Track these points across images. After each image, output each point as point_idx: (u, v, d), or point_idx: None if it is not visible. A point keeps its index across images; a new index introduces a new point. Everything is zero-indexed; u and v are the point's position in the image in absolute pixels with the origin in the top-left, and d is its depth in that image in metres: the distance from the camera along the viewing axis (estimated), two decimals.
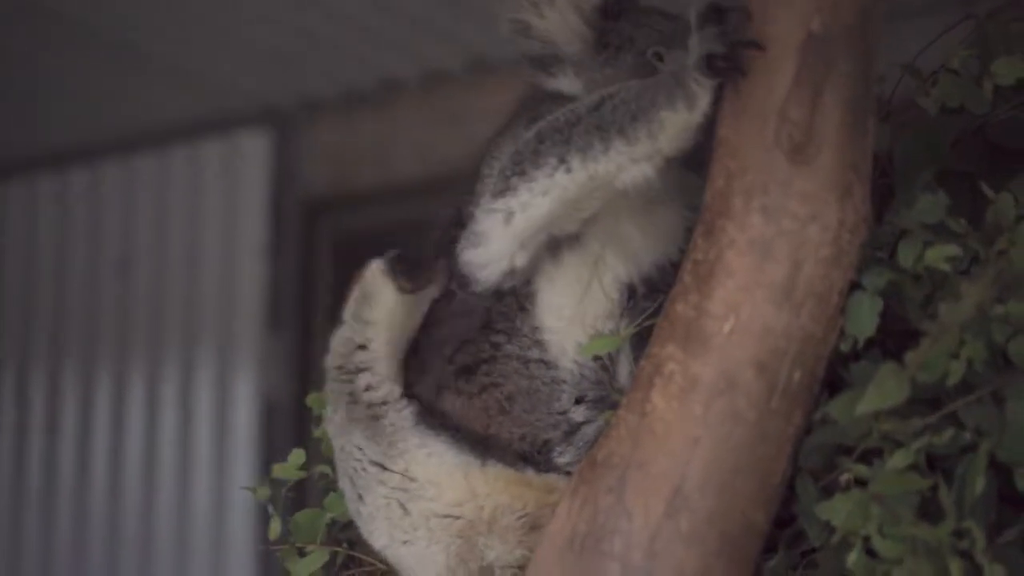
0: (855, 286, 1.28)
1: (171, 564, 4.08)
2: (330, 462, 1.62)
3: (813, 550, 1.33)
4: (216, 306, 4.11)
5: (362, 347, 1.50)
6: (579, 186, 1.36)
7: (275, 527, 1.59)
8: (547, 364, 1.47)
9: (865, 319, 1.28)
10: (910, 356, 1.20)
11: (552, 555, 1.31)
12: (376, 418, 1.47)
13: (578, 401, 1.44)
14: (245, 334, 4.03)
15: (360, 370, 1.49)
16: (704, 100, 1.29)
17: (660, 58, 1.47)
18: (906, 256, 1.28)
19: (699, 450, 1.26)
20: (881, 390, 1.19)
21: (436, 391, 1.50)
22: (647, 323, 1.36)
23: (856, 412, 1.19)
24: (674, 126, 1.30)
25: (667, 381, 1.28)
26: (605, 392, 1.43)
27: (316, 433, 1.66)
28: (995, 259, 1.27)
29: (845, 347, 1.29)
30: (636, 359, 1.42)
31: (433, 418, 1.48)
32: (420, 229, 4.11)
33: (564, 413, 1.46)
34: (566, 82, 1.55)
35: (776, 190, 1.24)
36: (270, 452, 3.98)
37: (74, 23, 3.64)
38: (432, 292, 1.52)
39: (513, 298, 1.49)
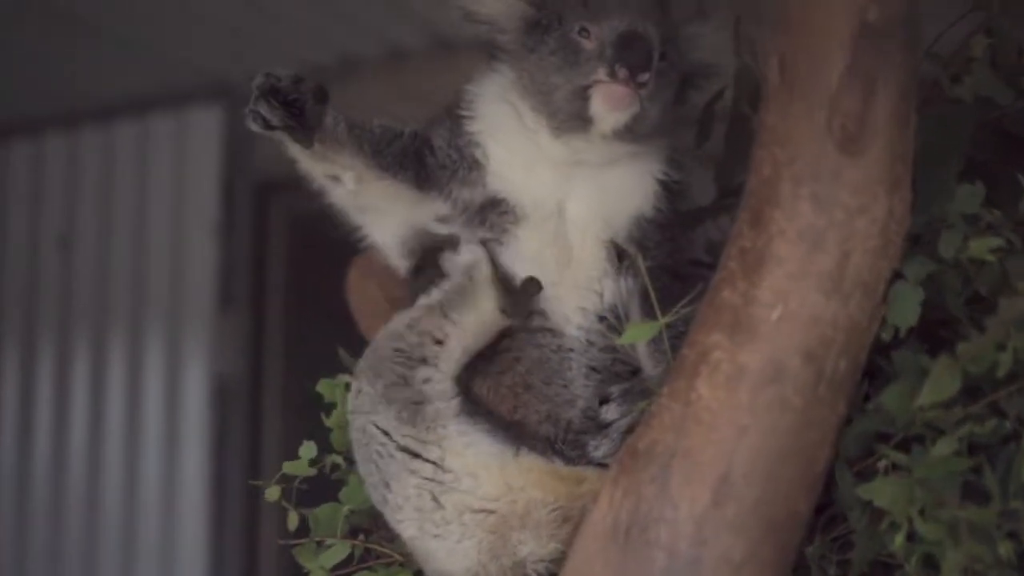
0: (897, 276, 1.29)
1: (118, 550, 4.01)
2: (341, 453, 1.60)
3: (846, 535, 1.35)
4: (165, 286, 4.03)
5: (439, 342, 1.47)
6: None
7: (293, 519, 1.56)
8: (552, 332, 1.48)
9: (908, 309, 1.29)
10: (962, 348, 1.22)
11: (594, 546, 1.31)
12: (419, 403, 1.45)
13: (604, 401, 1.44)
14: (196, 314, 3.96)
15: (425, 361, 1.47)
16: None
17: (587, 33, 1.46)
18: (947, 247, 1.30)
19: (746, 438, 1.26)
20: (938, 383, 1.20)
21: (469, 376, 1.48)
22: (683, 310, 1.36)
23: (916, 404, 1.20)
24: None
25: (713, 369, 1.28)
26: (631, 385, 1.43)
27: (328, 422, 1.63)
28: None
29: (887, 336, 1.30)
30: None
31: (470, 406, 1.46)
32: None
33: (572, 385, 1.46)
34: (504, 68, 1.54)
35: (826, 180, 1.24)
36: (222, 435, 3.92)
37: None
38: (519, 322, 1.50)
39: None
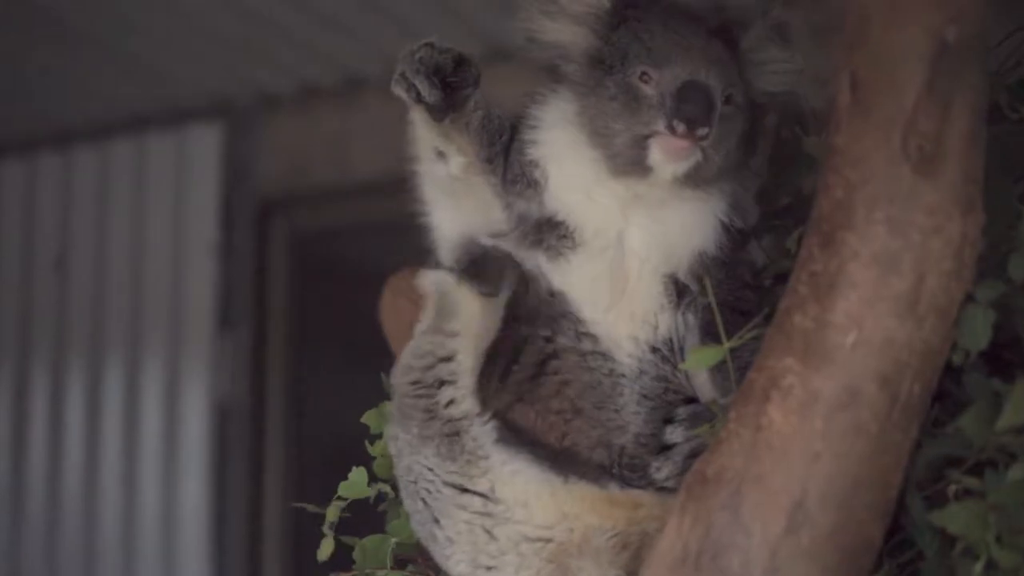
0: (968, 298, 1.28)
1: (117, 570, 3.96)
2: (387, 481, 1.58)
3: (913, 561, 1.33)
4: (164, 306, 3.99)
5: (446, 359, 1.46)
6: None
7: (327, 548, 1.53)
8: (604, 356, 1.46)
9: (979, 332, 1.27)
10: None
11: (664, 573, 1.28)
12: (455, 434, 1.43)
13: (668, 421, 1.42)
14: (195, 335, 3.92)
15: (443, 383, 1.45)
16: None
17: (648, 79, 1.43)
18: (1017, 269, 1.28)
19: (820, 464, 1.24)
20: (1019, 407, 1.19)
21: (508, 405, 1.46)
22: (751, 334, 1.34)
23: (996, 428, 1.18)
24: None
25: (785, 395, 1.25)
26: (697, 408, 1.41)
27: (372, 451, 1.61)
28: None
29: (958, 359, 1.28)
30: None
31: (510, 434, 1.44)
32: (378, 228, 4.08)
33: (623, 411, 1.44)
34: (567, 95, 1.51)
35: (901, 202, 1.22)
36: (222, 458, 3.88)
37: (10, 4, 3.50)
38: (505, 298, 1.48)
39: (542, 293, 1.48)
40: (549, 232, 1.48)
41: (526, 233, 1.49)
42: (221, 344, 3.92)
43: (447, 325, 1.47)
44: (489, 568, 1.40)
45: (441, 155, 1.49)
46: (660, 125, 1.40)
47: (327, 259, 4.00)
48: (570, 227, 1.48)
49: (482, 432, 1.43)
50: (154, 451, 3.96)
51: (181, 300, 3.98)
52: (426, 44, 1.40)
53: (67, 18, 3.60)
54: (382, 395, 1.65)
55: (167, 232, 4.03)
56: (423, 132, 1.49)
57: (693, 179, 1.45)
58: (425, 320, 1.51)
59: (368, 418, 1.61)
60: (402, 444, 1.48)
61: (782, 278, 1.64)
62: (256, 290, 3.96)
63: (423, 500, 1.45)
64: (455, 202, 1.53)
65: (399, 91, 1.43)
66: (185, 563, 3.86)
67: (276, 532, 3.87)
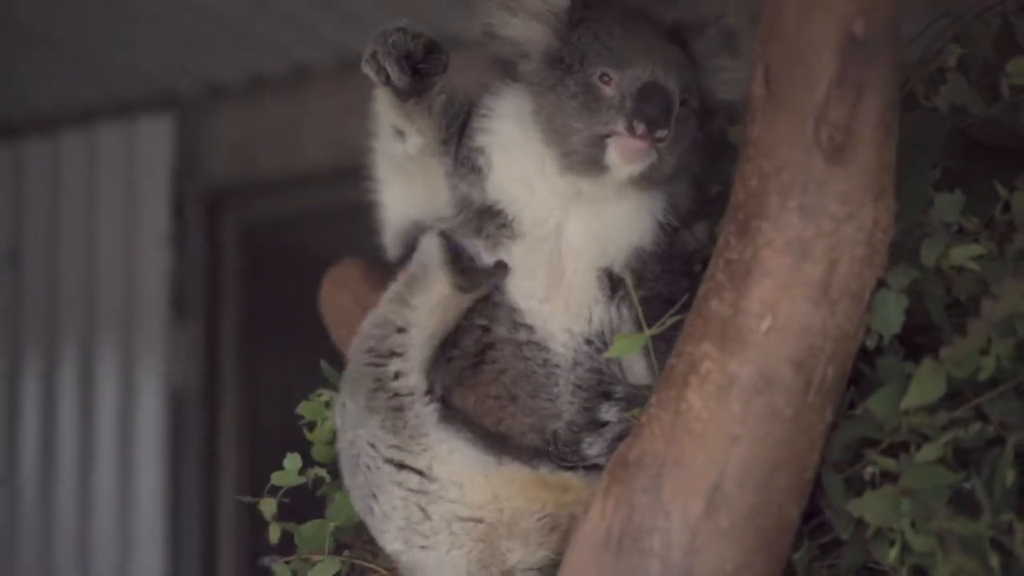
0: (880, 284, 1.31)
1: (74, 564, 3.96)
2: (325, 466, 1.60)
3: (834, 541, 1.37)
4: (117, 298, 3.99)
5: (401, 330, 1.48)
6: None
7: (275, 531, 1.55)
8: (538, 346, 1.48)
9: (892, 316, 1.30)
10: (945, 352, 1.24)
11: (587, 555, 1.31)
12: (399, 409, 1.46)
13: (607, 397, 1.45)
14: (148, 326, 3.92)
15: (393, 354, 1.47)
16: None
17: (607, 79, 1.45)
18: (929, 254, 1.32)
19: (738, 448, 1.27)
20: (923, 386, 1.22)
21: (448, 388, 1.49)
22: (671, 320, 1.37)
23: (901, 407, 1.22)
24: None
25: (703, 380, 1.28)
26: (633, 390, 1.44)
27: (311, 436, 1.63)
28: (1014, 257, 1.31)
29: (871, 343, 1.32)
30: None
31: (451, 415, 1.47)
32: (328, 218, 4.09)
33: (557, 400, 1.47)
34: (521, 92, 1.53)
35: (814, 190, 1.25)
36: (177, 446, 3.89)
37: None
38: (475, 297, 1.50)
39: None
40: (489, 220, 1.51)
41: (468, 219, 1.52)
42: (174, 334, 3.93)
43: (411, 297, 1.49)
44: (423, 547, 1.43)
45: (400, 134, 1.51)
46: (619, 125, 1.43)
47: (278, 248, 4.02)
48: (509, 217, 1.50)
49: (425, 411, 1.46)
50: (109, 440, 3.97)
51: (134, 291, 3.98)
52: (399, 28, 1.42)
53: (15, 12, 3.59)
54: (326, 384, 1.68)
55: (119, 223, 4.03)
56: (384, 110, 1.51)
57: (644, 179, 1.48)
58: (393, 287, 1.52)
59: (304, 409, 1.63)
60: (348, 414, 1.50)
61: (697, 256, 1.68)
62: (208, 280, 3.96)
63: (363, 475, 1.47)
64: (407, 181, 1.55)
65: (368, 71, 1.45)
66: (141, 548, 3.87)
67: (231, 517, 3.88)
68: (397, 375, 1.47)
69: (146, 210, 3.99)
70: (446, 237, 1.53)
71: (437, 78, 1.45)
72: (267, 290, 4.00)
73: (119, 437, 3.96)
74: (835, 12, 1.23)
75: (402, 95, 1.45)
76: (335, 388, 1.64)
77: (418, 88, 1.45)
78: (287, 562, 1.54)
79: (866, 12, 1.22)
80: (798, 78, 1.25)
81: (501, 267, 1.49)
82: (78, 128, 4.12)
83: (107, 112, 4.08)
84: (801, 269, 1.26)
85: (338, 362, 1.73)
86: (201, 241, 3.98)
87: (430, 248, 1.52)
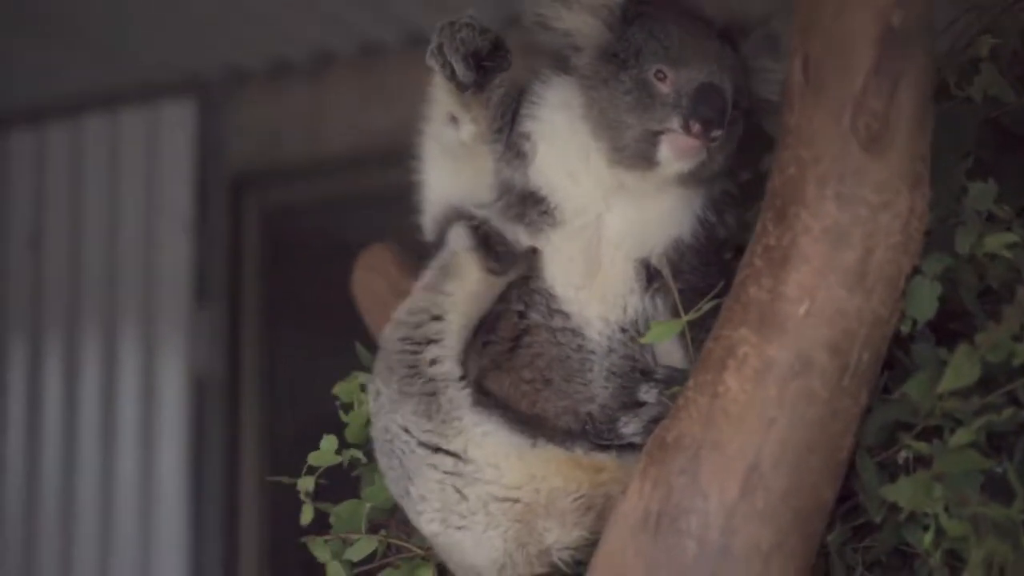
0: (915, 271, 1.33)
1: (95, 549, 3.99)
2: (361, 447, 1.63)
3: (867, 523, 1.39)
4: (139, 283, 4.02)
5: (437, 318, 1.51)
6: None
7: (308, 513, 1.58)
8: (573, 332, 1.51)
9: (926, 303, 1.33)
10: (980, 338, 1.26)
11: (625, 535, 1.34)
12: (433, 394, 1.48)
13: (646, 378, 1.47)
14: (170, 310, 3.95)
15: (430, 341, 1.50)
16: None
17: (663, 77, 1.47)
18: (963, 243, 1.34)
19: (774, 430, 1.29)
20: (958, 371, 1.24)
21: (483, 372, 1.51)
22: (707, 305, 1.40)
23: (938, 391, 1.24)
24: None
25: (741, 363, 1.31)
26: (675, 372, 1.46)
27: (345, 418, 1.65)
28: None
29: (905, 329, 1.34)
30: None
31: (484, 399, 1.49)
32: (350, 203, 4.11)
33: (591, 385, 1.49)
34: (572, 84, 1.54)
35: (851, 179, 1.27)
36: (200, 431, 3.92)
37: None
38: (509, 280, 1.52)
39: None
40: (531, 207, 1.53)
41: (510, 204, 1.54)
42: (196, 319, 3.95)
43: (445, 285, 1.52)
44: (460, 527, 1.46)
45: (454, 121, 1.52)
46: (674, 123, 1.45)
47: (300, 234, 4.04)
48: (551, 204, 1.52)
49: (459, 395, 1.48)
50: (132, 425, 4.00)
51: (156, 276, 4.01)
52: (467, 24, 1.43)
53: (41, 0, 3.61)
54: (355, 366, 1.70)
55: (141, 208, 4.06)
56: (442, 96, 1.53)
57: (691, 177, 1.50)
58: (425, 276, 1.55)
59: (340, 389, 1.66)
60: (383, 400, 1.52)
61: (742, 250, 1.70)
62: (230, 265, 3.99)
63: (398, 459, 1.50)
64: (454, 165, 1.57)
65: (433, 63, 1.47)
66: (163, 533, 3.90)
67: (253, 502, 3.91)
68: (433, 362, 1.49)
69: (168, 195, 4.02)
70: (475, 226, 1.55)
71: (499, 75, 1.48)
72: (289, 275, 4.03)
73: (141, 422, 3.99)
74: (873, 3, 1.25)
75: (462, 87, 1.47)
76: (369, 370, 1.66)
77: (480, 83, 1.47)
78: (326, 540, 1.56)
79: (903, 4, 1.25)
80: (836, 68, 1.27)
81: (532, 251, 1.52)
82: (101, 113, 4.15)
83: (130, 97, 4.11)
84: (838, 256, 1.28)
85: (369, 346, 1.76)
86: (223, 226, 4.00)
87: (459, 236, 1.55)
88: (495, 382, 1.51)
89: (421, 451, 1.48)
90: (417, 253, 1.78)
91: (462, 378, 1.50)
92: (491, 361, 1.52)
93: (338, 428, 1.66)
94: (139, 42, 3.84)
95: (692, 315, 1.40)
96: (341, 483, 1.67)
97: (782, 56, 1.55)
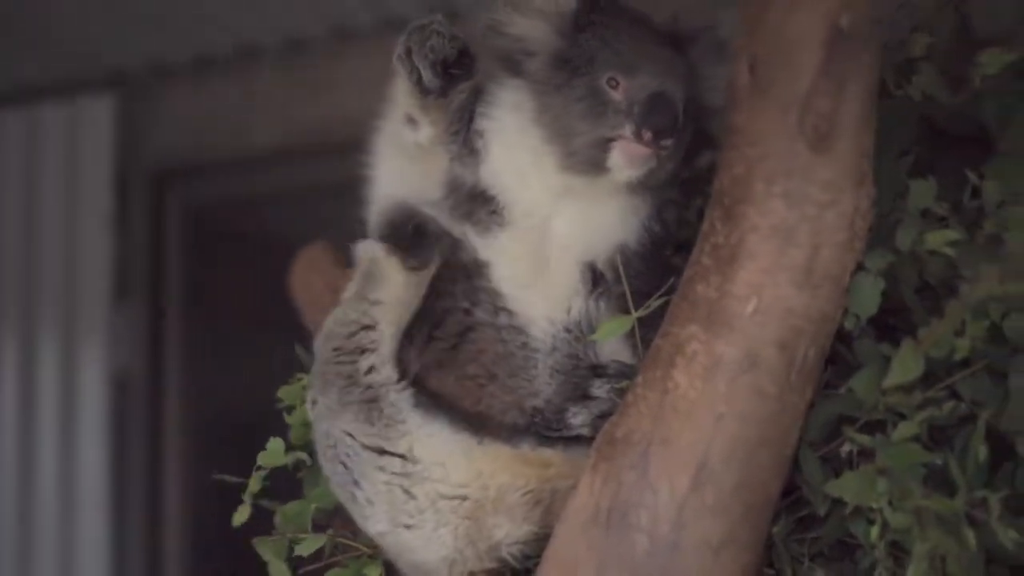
0: (858, 267, 1.36)
1: (15, 550, 3.91)
2: (304, 448, 1.62)
3: (810, 515, 1.41)
4: (59, 280, 3.94)
5: (368, 327, 1.51)
6: None
7: (244, 512, 1.57)
8: (518, 330, 1.52)
9: (868, 299, 1.35)
10: (923, 333, 1.29)
11: (576, 530, 1.35)
12: (374, 400, 1.48)
13: (598, 375, 1.48)
14: (90, 308, 3.88)
15: (364, 351, 1.50)
16: None
17: (615, 84, 1.48)
18: (905, 239, 1.37)
19: (724, 425, 1.31)
20: (903, 366, 1.27)
21: (425, 369, 1.52)
22: (656, 303, 1.41)
23: (883, 386, 1.27)
24: None
25: (690, 360, 1.32)
26: (625, 368, 1.47)
27: (289, 420, 1.64)
28: (985, 242, 1.36)
29: (849, 325, 1.36)
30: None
31: (427, 399, 1.49)
32: (276, 199, 4.07)
33: (535, 381, 1.50)
34: (525, 88, 1.54)
35: (798, 177, 1.29)
36: (120, 430, 3.86)
37: None
38: (432, 271, 1.53)
39: (469, 268, 1.54)
40: (480, 206, 1.53)
41: (459, 202, 1.54)
42: (117, 316, 3.90)
43: (372, 294, 1.52)
44: (408, 527, 1.46)
45: (412, 122, 1.53)
46: (626, 131, 1.46)
47: (224, 229, 4.00)
48: (500, 204, 1.53)
49: (400, 398, 1.48)
50: (51, 424, 3.92)
51: (76, 272, 3.93)
52: (437, 32, 1.44)
53: None
54: (287, 366, 1.70)
55: (60, 204, 3.98)
56: (402, 99, 1.52)
57: (640, 183, 1.51)
58: (351, 287, 1.55)
59: (284, 393, 1.65)
60: (321, 409, 1.52)
61: (683, 248, 1.72)
62: (152, 261, 3.94)
63: (342, 463, 1.50)
64: (407, 163, 1.57)
65: (400, 68, 1.47)
66: (84, 535, 3.84)
67: (176, 501, 3.87)
68: (370, 370, 1.50)
69: (88, 191, 3.94)
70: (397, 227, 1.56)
71: (464, 82, 1.49)
72: (213, 272, 3.99)
73: (61, 421, 3.92)
74: (821, 6, 1.27)
75: (427, 93, 1.47)
76: (309, 371, 1.66)
77: (444, 89, 1.48)
78: (271, 541, 1.55)
79: (850, 6, 1.26)
80: (783, 69, 1.29)
81: (440, 241, 1.53)
82: (19, 108, 4.07)
83: (49, 91, 4.03)
84: (785, 253, 1.30)
85: (307, 344, 1.75)
86: (146, 222, 3.95)
87: (370, 248, 1.56)
88: (438, 380, 1.51)
89: (366, 454, 1.48)
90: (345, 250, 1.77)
91: (400, 380, 1.50)
92: (434, 359, 1.52)
93: (263, 427, 1.66)
94: (59, 35, 3.77)
95: (641, 312, 1.41)
96: (276, 485, 1.66)
97: (729, 64, 1.58)
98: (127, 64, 3.92)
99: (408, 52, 1.46)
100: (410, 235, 1.54)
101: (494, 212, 1.53)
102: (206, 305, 3.98)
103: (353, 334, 1.51)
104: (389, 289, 1.52)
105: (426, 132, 1.52)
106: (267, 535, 1.57)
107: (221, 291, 4.01)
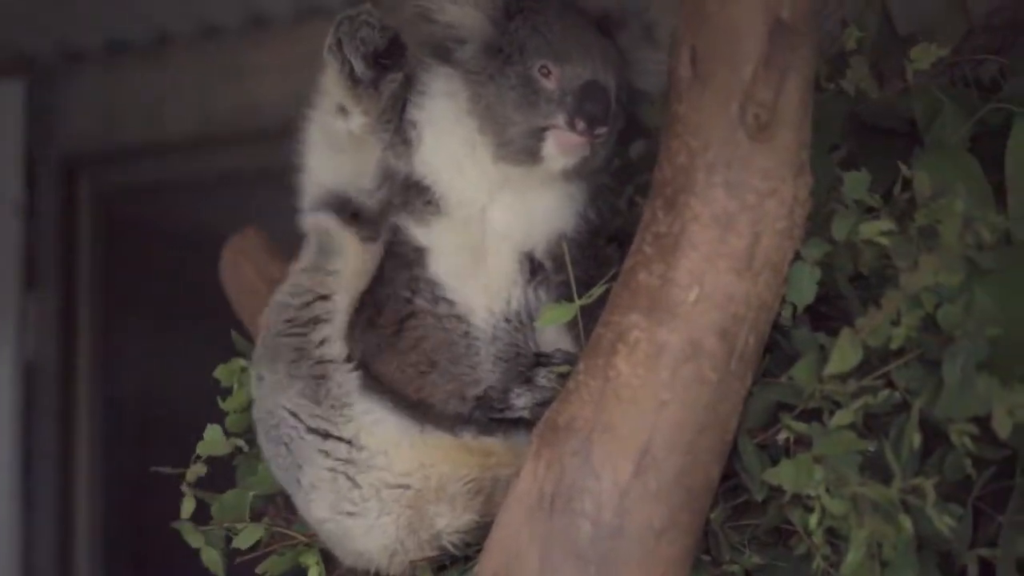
0: (796, 256, 1.38)
1: None
2: (241, 435, 1.61)
3: (747, 501, 1.44)
4: None
5: (324, 298, 1.51)
6: None
7: (188, 506, 1.55)
8: (459, 319, 1.52)
9: (806, 288, 1.38)
10: (860, 323, 1.31)
11: (520, 516, 1.36)
12: (322, 377, 1.48)
13: (541, 364, 1.49)
14: (1, 296, 3.81)
15: (318, 321, 1.50)
16: None
17: (547, 73, 1.49)
18: (840, 229, 1.39)
19: (666, 412, 1.32)
20: (842, 355, 1.29)
21: (370, 355, 1.51)
22: (599, 290, 1.42)
23: (824, 374, 1.29)
24: None
25: (632, 348, 1.34)
26: (568, 354, 1.48)
27: (223, 405, 1.63)
28: (917, 233, 1.39)
29: (786, 314, 1.39)
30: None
31: (372, 383, 1.49)
32: (189, 187, 4.03)
33: (478, 369, 1.51)
34: (456, 77, 1.54)
35: (739, 167, 1.31)
36: (30, 420, 3.80)
37: None
38: (383, 243, 1.53)
39: (408, 256, 1.54)
40: (415, 196, 1.53)
41: (393, 192, 1.54)
42: (27, 305, 3.83)
43: (328, 264, 1.52)
44: (351, 514, 1.46)
45: (343, 111, 1.51)
46: (559, 119, 1.47)
47: (137, 217, 3.95)
48: (436, 194, 1.53)
49: (347, 379, 1.48)
50: None
51: None
52: (367, 23, 1.44)
53: None
54: (197, 354, 1.69)
55: None
56: (332, 89, 1.51)
57: (574, 172, 1.52)
58: (304, 259, 1.54)
59: (221, 373, 1.63)
60: (267, 385, 1.51)
61: (614, 238, 1.74)
62: (62, 250, 3.87)
63: (285, 445, 1.49)
64: (339, 153, 1.55)
65: (331, 59, 1.46)
66: None
67: (86, 489, 3.82)
68: (322, 342, 1.49)
69: None
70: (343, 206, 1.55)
71: (396, 72, 1.48)
72: (126, 260, 3.93)
73: None
74: None
75: (358, 83, 1.47)
76: (245, 356, 1.65)
77: (376, 80, 1.47)
78: (205, 531, 1.54)
79: None
80: (725, 59, 1.30)
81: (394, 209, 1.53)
82: None
83: None
84: (726, 242, 1.32)
85: (237, 330, 1.74)
86: (55, 209, 3.88)
87: (323, 220, 1.55)
88: (382, 366, 1.51)
89: (311, 437, 1.47)
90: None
91: (348, 359, 1.50)
92: (377, 345, 1.52)
93: (177, 414, 1.65)
94: None
95: (584, 300, 1.42)
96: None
97: (659, 47, 1.60)
98: (37, 49, 3.85)
99: (339, 43, 1.45)
100: (357, 209, 1.53)
101: (429, 202, 1.53)
102: (117, 293, 3.92)
103: (308, 304, 1.50)
104: (346, 259, 1.52)
105: (358, 122, 1.51)
106: (176, 521, 1.55)
107: (132, 279, 3.95)
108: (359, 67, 1.45)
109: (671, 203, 1.34)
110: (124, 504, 3.85)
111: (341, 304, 1.52)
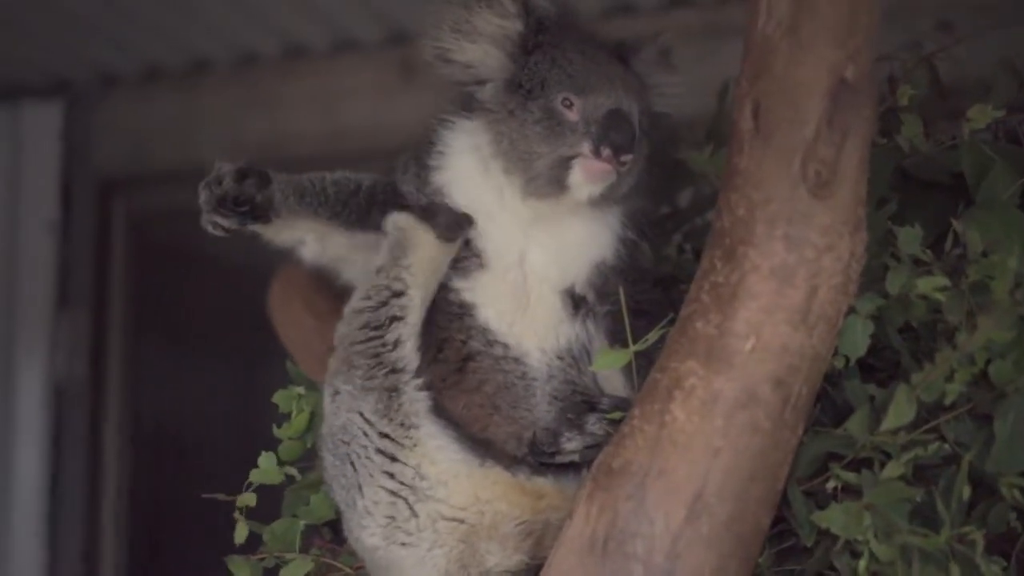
0: (850, 310, 1.40)
1: None
2: (294, 464, 1.63)
3: (793, 547, 1.46)
4: (1, 287, 3.89)
5: (399, 294, 1.53)
6: None
7: (242, 532, 1.57)
8: (516, 360, 1.54)
9: (858, 341, 1.41)
10: (916, 378, 1.34)
11: (572, 558, 1.38)
12: (394, 390, 1.50)
13: (592, 409, 1.51)
14: (32, 315, 3.83)
15: (393, 319, 1.52)
16: None
17: (570, 104, 1.52)
18: (894, 283, 1.42)
19: (720, 459, 1.35)
20: (899, 410, 1.32)
21: (437, 389, 1.54)
22: (655, 336, 1.44)
23: (882, 428, 1.32)
24: None
25: (688, 394, 1.36)
26: (620, 401, 1.50)
27: (279, 433, 1.65)
28: (969, 289, 1.41)
29: (839, 365, 1.41)
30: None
31: (440, 409, 1.52)
32: None
33: (535, 410, 1.53)
34: (478, 121, 1.58)
35: (799, 221, 1.34)
36: (58, 440, 3.81)
37: None
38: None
39: (454, 311, 1.57)
40: (457, 255, 1.57)
41: None
42: (59, 324, 3.85)
43: (403, 259, 1.54)
44: (404, 544, 1.48)
45: (300, 242, 1.62)
46: (585, 148, 1.50)
47: (169, 241, 3.98)
48: (476, 248, 1.56)
49: (417, 396, 1.50)
50: None
51: (18, 280, 3.88)
52: (205, 184, 1.53)
53: None
54: (229, 378, 1.71)
55: (5, 211, 3.93)
56: (270, 236, 1.61)
57: (601, 198, 1.55)
58: (380, 259, 1.56)
59: (279, 398, 1.66)
60: (342, 398, 1.53)
61: (662, 282, 1.77)
62: (96, 271, 3.90)
63: (352, 464, 1.51)
64: (348, 262, 1.66)
65: (216, 232, 1.57)
66: (19, 545, 3.78)
67: (112, 514, 3.83)
68: (397, 343, 1.51)
69: (32, 198, 3.90)
70: (408, 206, 1.59)
71: (267, 192, 1.54)
72: (157, 282, 3.96)
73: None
74: (826, 57, 1.32)
75: (259, 222, 1.56)
76: (297, 384, 1.68)
77: (258, 215, 1.55)
78: (260, 559, 1.56)
79: (855, 59, 1.32)
80: (788, 116, 1.33)
81: (468, 218, 1.57)
82: None
83: None
84: (784, 294, 1.34)
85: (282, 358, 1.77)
86: (90, 230, 3.90)
87: (400, 217, 1.57)
88: (449, 402, 1.53)
89: (378, 458, 1.49)
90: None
91: (419, 375, 1.52)
92: (443, 379, 1.54)
93: (208, 439, 1.68)
94: (5, 41, 3.73)
95: (640, 346, 1.44)
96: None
97: (675, 71, 1.64)
98: (75, 73, 3.88)
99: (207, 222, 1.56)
100: (434, 213, 1.57)
101: (469, 257, 1.56)
102: (148, 315, 3.95)
103: (384, 303, 1.53)
104: (419, 252, 1.54)
105: (313, 241, 1.63)
106: (200, 549, 1.57)
107: (164, 302, 3.98)
108: (223, 221, 1.55)
109: (730, 254, 1.36)
110: (151, 525, 3.86)
111: (415, 300, 1.53)
